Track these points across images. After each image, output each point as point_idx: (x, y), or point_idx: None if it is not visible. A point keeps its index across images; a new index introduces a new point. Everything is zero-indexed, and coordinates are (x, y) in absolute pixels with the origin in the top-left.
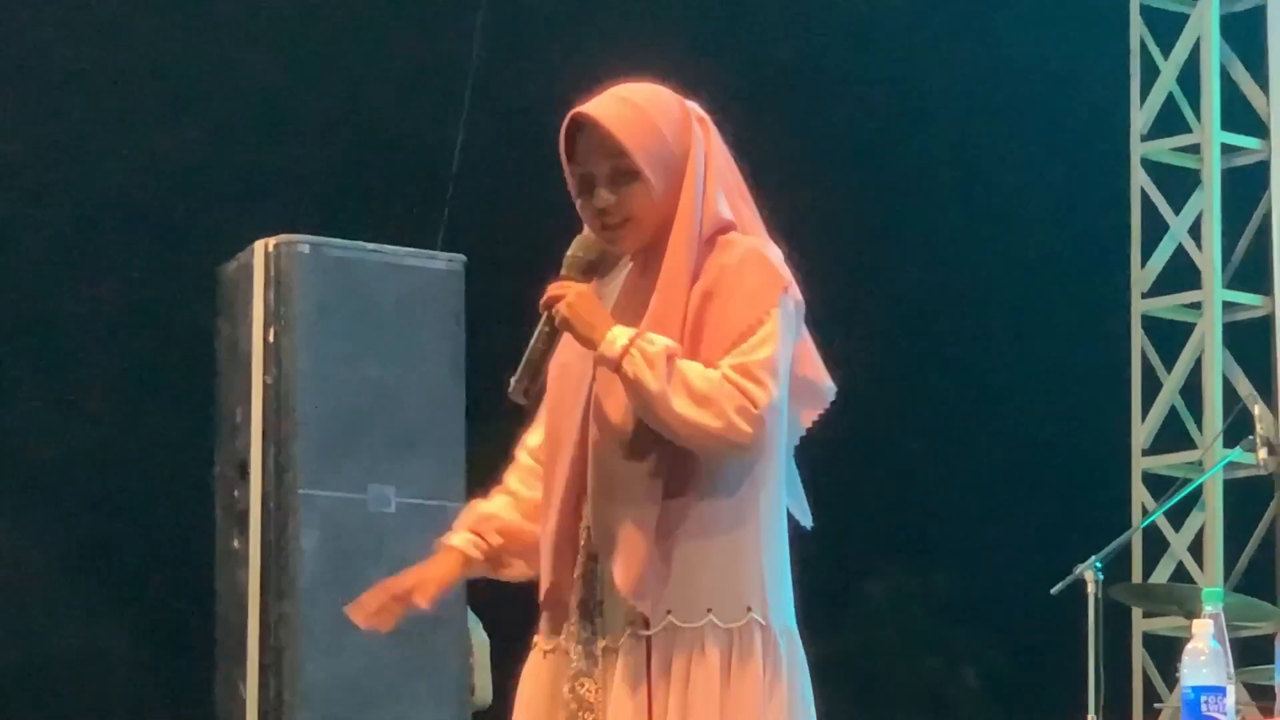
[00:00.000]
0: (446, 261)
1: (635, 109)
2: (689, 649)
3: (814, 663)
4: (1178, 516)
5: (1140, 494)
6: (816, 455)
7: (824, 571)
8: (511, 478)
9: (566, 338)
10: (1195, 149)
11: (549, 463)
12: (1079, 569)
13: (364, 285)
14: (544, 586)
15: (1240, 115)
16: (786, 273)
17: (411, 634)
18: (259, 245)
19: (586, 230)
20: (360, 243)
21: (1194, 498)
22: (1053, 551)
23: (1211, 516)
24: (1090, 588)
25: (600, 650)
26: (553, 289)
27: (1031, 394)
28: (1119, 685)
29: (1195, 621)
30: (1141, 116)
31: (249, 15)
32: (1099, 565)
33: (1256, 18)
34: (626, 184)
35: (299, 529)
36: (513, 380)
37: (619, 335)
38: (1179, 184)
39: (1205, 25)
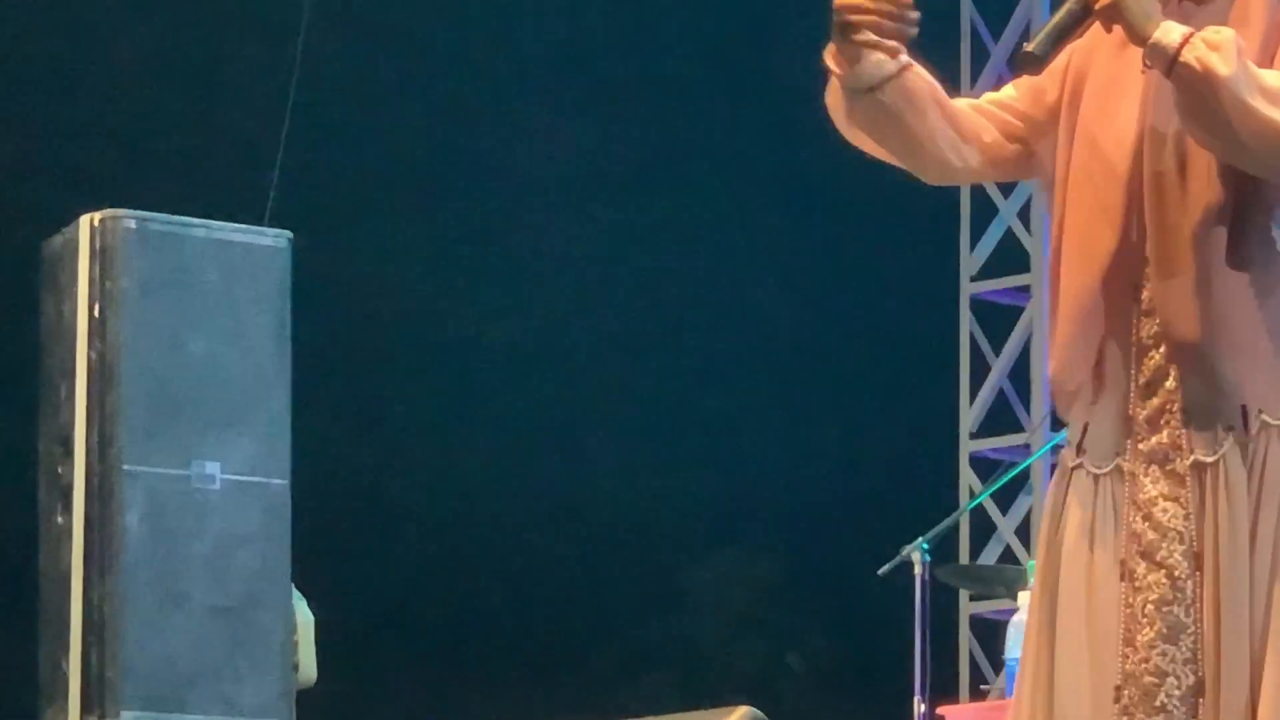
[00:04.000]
0: (273, 237)
1: None
2: None
3: (641, 647)
4: (1005, 499)
5: (968, 476)
6: (636, 435)
7: (649, 554)
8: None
9: (1096, 111)
10: None
11: (1076, 240)
12: (906, 550)
13: (190, 260)
14: (1087, 398)
15: None
16: None
17: (236, 612)
18: (84, 220)
19: None
20: (186, 218)
21: (1022, 480)
22: (881, 534)
23: (1038, 499)
24: (917, 569)
25: (1188, 466)
26: None
27: (860, 377)
28: (946, 667)
29: (1021, 594)
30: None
31: None
32: (926, 547)
33: None
34: None
35: (122, 505)
36: (1032, 41)
37: (1177, 26)
38: None
39: (1036, 7)
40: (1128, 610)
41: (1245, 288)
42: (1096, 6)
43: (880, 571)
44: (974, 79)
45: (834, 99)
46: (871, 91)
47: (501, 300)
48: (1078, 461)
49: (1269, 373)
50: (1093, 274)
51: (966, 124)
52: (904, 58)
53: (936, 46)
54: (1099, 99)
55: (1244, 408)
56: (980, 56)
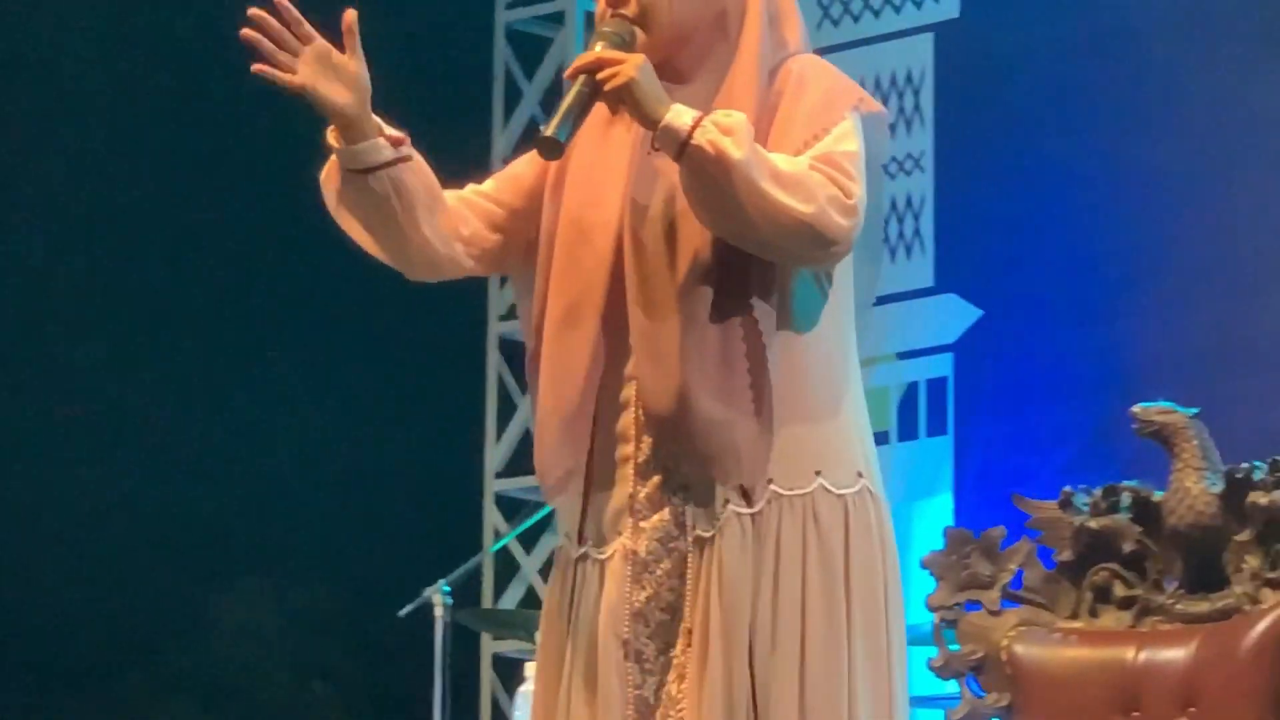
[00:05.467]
0: None
1: None
2: (799, 520)
3: (167, 673)
4: (530, 540)
5: (493, 517)
6: (166, 457)
7: (176, 579)
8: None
9: (582, 196)
10: None
11: (560, 326)
12: (427, 592)
13: None
14: (579, 486)
15: None
16: (860, 90)
17: None
18: None
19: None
20: None
21: (547, 521)
22: (409, 570)
23: None
24: (438, 611)
25: (690, 543)
26: (603, 54)
27: (387, 412)
28: (468, 706)
29: (529, 664)
30: (503, 140)
31: None
32: (447, 589)
33: None
34: None
35: None
36: (548, 126)
37: (686, 109)
38: None
39: (570, 47)
40: (636, 691)
41: (726, 371)
42: (606, 88)
43: (401, 613)
44: (507, 118)
45: (329, 176)
46: (364, 174)
47: (48, 316)
48: (581, 551)
49: (769, 446)
50: (581, 357)
51: (451, 220)
52: (405, 149)
53: (470, 86)
54: (585, 184)
55: (742, 485)
56: (514, 95)
